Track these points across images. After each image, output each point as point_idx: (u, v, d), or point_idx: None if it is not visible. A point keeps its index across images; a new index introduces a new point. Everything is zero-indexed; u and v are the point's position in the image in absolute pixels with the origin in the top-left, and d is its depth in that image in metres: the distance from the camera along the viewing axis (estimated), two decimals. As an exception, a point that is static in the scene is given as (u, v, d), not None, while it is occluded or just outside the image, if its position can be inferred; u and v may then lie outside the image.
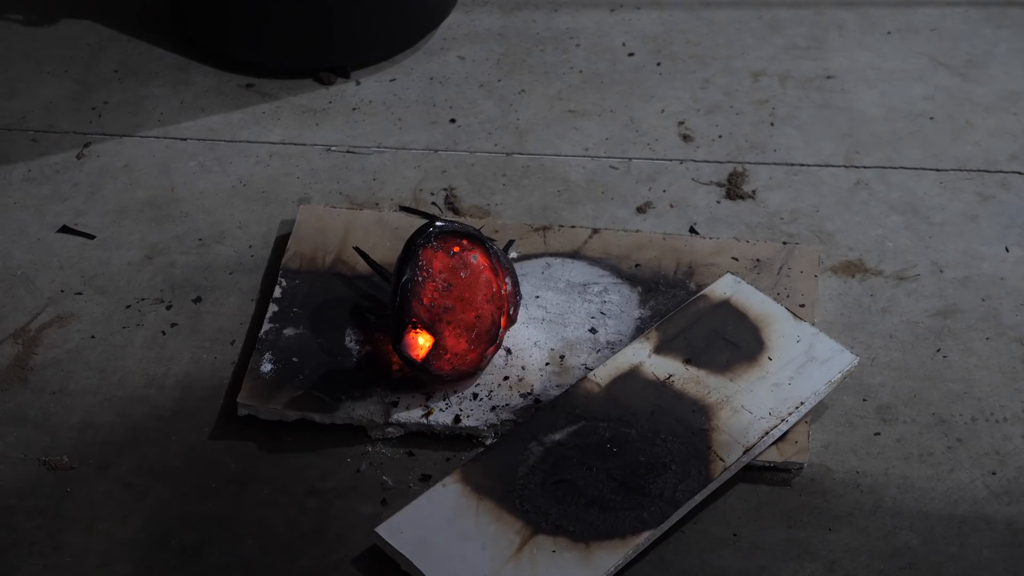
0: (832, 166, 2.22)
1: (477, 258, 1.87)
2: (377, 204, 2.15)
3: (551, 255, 2.04)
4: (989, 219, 2.13)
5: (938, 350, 1.94)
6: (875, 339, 1.95)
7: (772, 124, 2.29)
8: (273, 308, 1.95)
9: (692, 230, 2.11)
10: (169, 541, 1.72)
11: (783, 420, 1.79)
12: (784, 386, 1.83)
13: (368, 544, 1.71)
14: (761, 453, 1.78)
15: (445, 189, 2.17)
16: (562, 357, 1.91)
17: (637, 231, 2.07)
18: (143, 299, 2.00)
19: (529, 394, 1.86)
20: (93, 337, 1.95)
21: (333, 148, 2.25)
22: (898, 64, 2.41)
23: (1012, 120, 2.30)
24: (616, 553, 1.67)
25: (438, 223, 1.86)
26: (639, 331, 1.93)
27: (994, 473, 1.80)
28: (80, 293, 2.01)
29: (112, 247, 2.08)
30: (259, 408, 1.84)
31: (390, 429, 1.83)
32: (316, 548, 1.71)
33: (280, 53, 2.35)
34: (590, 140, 2.26)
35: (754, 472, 1.79)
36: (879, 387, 1.90)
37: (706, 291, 1.94)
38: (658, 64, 2.41)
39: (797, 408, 1.80)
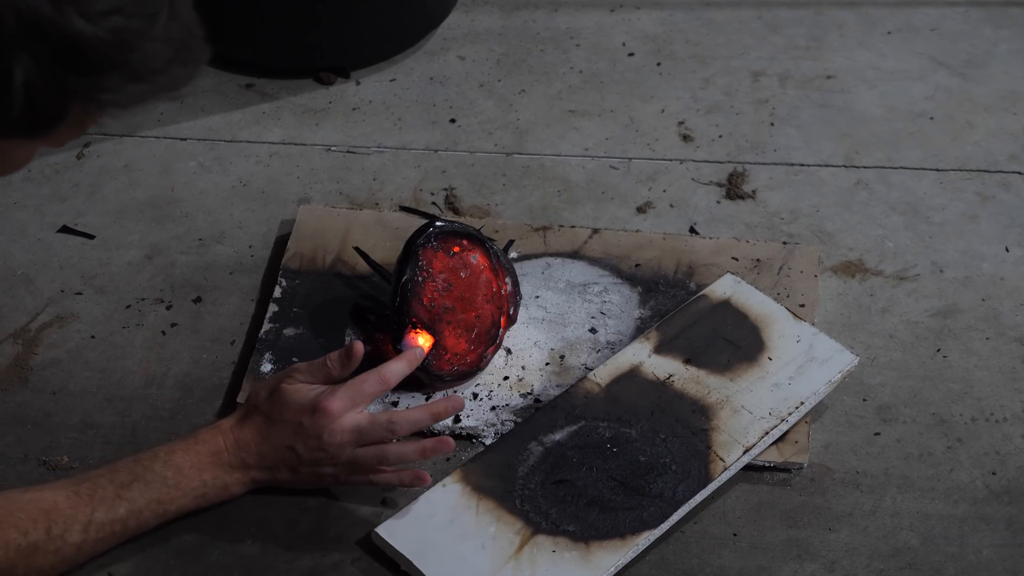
0: (832, 166, 2.22)
1: (477, 258, 1.87)
2: (377, 204, 2.15)
3: (551, 255, 2.04)
4: (989, 219, 2.13)
5: (938, 350, 1.94)
6: (875, 339, 1.95)
7: (772, 124, 2.29)
8: (273, 308, 1.95)
9: (692, 230, 2.11)
10: (169, 541, 1.72)
11: (783, 420, 1.79)
12: (784, 386, 1.83)
13: (368, 544, 1.71)
14: (761, 453, 1.78)
15: (445, 189, 2.17)
16: (562, 357, 1.91)
17: (637, 231, 2.07)
18: (143, 299, 2.00)
19: (529, 394, 1.86)
20: (93, 337, 1.95)
21: (333, 148, 2.25)
22: (898, 64, 2.41)
23: (1012, 120, 2.30)
24: (616, 553, 1.67)
25: (438, 223, 1.86)
26: (639, 331, 1.93)
27: (994, 473, 1.80)
28: (80, 293, 2.01)
29: (112, 247, 2.08)
30: (259, 408, 1.84)
31: (390, 429, 1.83)
32: (316, 548, 1.71)
33: (280, 53, 2.35)
34: (590, 140, 2.26)
35: (754, 472, 1.79)
36: (879, 387, 1.90)
37: (706, 291, 1.94)
38: (658, 64, 2.41)
39: (797, 408, 1.80)
